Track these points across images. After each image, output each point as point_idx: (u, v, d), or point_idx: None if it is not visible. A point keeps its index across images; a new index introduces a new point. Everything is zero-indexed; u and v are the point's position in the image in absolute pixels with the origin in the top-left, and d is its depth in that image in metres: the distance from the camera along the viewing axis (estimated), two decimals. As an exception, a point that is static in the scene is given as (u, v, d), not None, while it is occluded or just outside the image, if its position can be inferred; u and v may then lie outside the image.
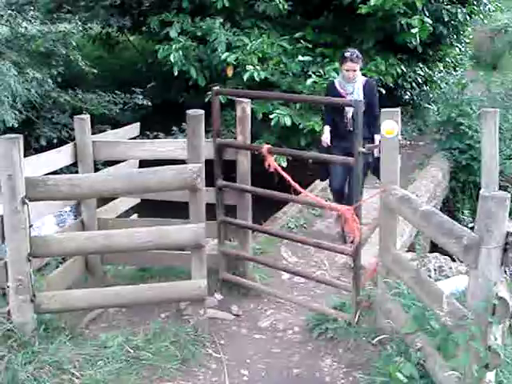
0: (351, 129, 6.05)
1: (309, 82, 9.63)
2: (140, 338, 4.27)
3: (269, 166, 4.96)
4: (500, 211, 2.99)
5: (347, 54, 6.35)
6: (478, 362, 3.14)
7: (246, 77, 9.63)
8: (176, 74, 10.20)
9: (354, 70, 6.31)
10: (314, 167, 9.93)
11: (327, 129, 6.55)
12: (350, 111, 6.31)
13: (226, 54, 9.86)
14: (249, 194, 5.28)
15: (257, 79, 9.66)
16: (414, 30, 10.12)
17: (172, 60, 9.88)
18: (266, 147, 4.96)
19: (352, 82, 6.39)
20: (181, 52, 10.05)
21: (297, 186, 4.86)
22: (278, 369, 4.27)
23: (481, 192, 3.13)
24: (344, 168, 6.28)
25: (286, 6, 10.41)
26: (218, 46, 9.97)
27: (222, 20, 10.35)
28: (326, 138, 6.44)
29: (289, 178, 4.88)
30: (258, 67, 9.76)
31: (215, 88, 4.76)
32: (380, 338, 4.16)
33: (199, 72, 10.43)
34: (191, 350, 4.27)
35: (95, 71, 12.32)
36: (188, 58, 10.28)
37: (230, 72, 10.12)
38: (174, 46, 10.02)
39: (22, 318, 4.11)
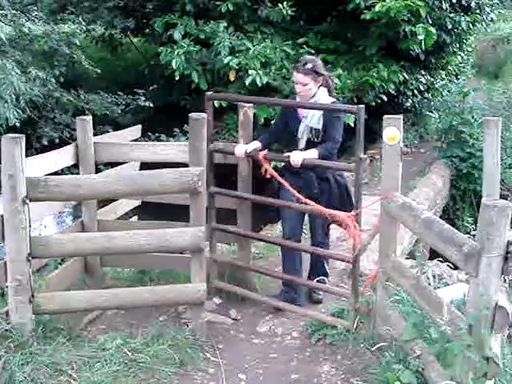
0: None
1: (311, 87, 9.63)
2: (138, 341, 4.25)
3: (265, 171, 4.88)
4: (501, 220, 2.99)
5: (298, 63, 5.06)
6: (475, 371, 3.14)
7: (248, 81, 9.65)
8: (178, 78, 10.21)
9: (304, 85, 4.91)
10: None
11: (255, 143, 5.07)
12: (304, 137, 5.02)
13: (229, 58, 9.87)
14: (248, 200, 5.25)
15: (259, 84, 9.67)
16: (420, 37, 10.14)
17: (174, 66, 9.89)
18: (261, 153, 4.86)
19: (305, 100, 4.98)
20: (183, 57, 10.06)
21: (295, 192, 4.75)
22: (275, 374, 4.25)
23: (482, 200, 3.13)
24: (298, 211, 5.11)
25: (289, 12, 10.42)
26: (222, 50, 9.98)
27: (225, 24, 10.37)
28: (240, 149, 5.00)
29: (286, 184, 4.81)
30: (260, 72, 9.77)
31: (208, 93, 4.75)
32: (379, 345, 4.15)
33: (201, 76, 10.44)
34: (189, 354, 4.26)
35: (98, 71, 12.35)
36: (190, 62, 10.28)
37: (232, 76, 10.13)
38: (176, 52, 10.02)
39: (21, 319, 4.10)
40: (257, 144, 5.01)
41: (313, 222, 5.28)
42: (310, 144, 4.94)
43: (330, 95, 5.07)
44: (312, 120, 4.95)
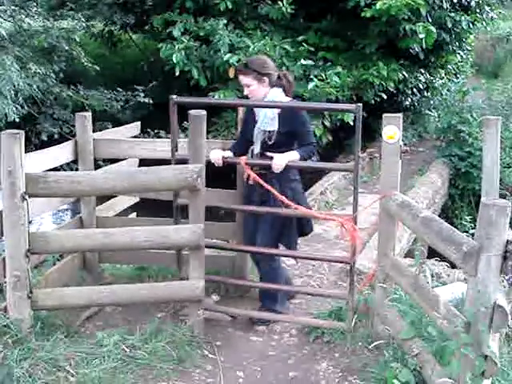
0: (261, 171, 4.66)
1: (310, 85, 9.65)
2: (136, 338, 4.25)
3: (248, 177, 4.69)
4: (501, 219, 2.99)
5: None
6: (473, 369, 3.14)
7: None
8: (178, 73, 10.20)
9: (247, 86, 4.70)
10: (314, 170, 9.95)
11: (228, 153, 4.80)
12: (258, 140, 4.74)
13: (229, 55, 9.87)
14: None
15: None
16: (420, 36, 10.14)
17: (174, 60, 9.88)
18: (243, 159, 4.62)
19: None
20: (183, 52, 10.06)
21: (284, 198, 4.56)
22: (273, 371, 4.25)
23: (482, 200, 3.13)
24: (256, 219, 4.91)
25: (289, 10, 10.42)
26: (221, 47, 9.97)
27: (225, 21, 10.36)
28: (216, 155, 4.69)
29: (274, 190, 4.58)
30: (259, 69, 9.76)
31: (173, 97, 4.72)
32: (377, 343, 4.16)
33: (201, 72, 10.44)
34: (187, 351, 4.26)
35: (97, 68, 12.35)
36: (190, 59, 10.28)
37: (231, 73, 10.12)
38: (176, 46, 10.03)
39: (19, 315, 4.10)
40: (229, 154, 4.77)
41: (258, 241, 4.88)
42: (265, 147, 4.68)
43: (287, 95, 4.76)
44: (263, 122, 4.68)
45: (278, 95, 4.70)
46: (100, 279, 5.45)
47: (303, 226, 4.95)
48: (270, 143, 4.67)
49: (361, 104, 4.33)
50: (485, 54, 22.74)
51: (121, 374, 3.91)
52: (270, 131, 4.66)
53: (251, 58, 4.92)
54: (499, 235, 3.00)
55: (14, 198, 3.95)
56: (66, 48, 11.58)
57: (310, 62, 10.13)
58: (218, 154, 4.67)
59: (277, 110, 4.65)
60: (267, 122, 4.65)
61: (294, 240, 4.96)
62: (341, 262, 5.02)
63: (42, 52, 11.48)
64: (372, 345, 4.23)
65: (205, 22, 10.47)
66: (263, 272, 4.99)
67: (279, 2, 10.47)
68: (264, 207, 4.72)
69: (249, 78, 4.64)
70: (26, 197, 3.99)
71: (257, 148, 4.73)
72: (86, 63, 12.09)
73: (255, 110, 4.75)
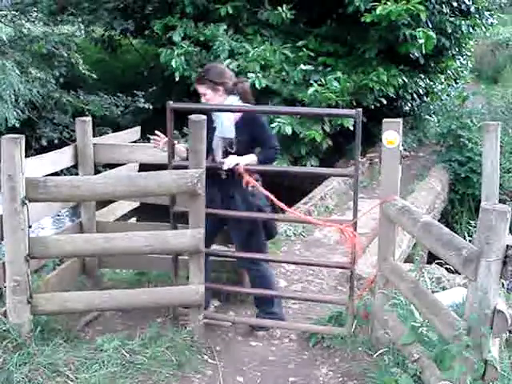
0: (224, 176, 4.68)
1: (310, 90, 9.67)
2: (136, 343, 4.24)
3: (247, 183, 4.62)
4: (501, 224, 3.00)
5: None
6: (473, 374, 3.14)
7: None
8: (177, 79, 10.21)
9: (203, 95, 4.74)
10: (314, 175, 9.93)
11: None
12: (218, 148, 4.75)
13: (228, 60, 9.88)
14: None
15: (258, 87, 9.68)
16: (420, 41, 10.16)
17: (174, 65, 9.90)
18: (241, 166, 4.57)
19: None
20: (183, 57, 10.07)
21: (282, 204, 4.58)
22: (273, 376, 4.25)
23: (482, 205, 3.13)
24: (216, 222, 4.78)
25: (288, 15, 10.44)
26: (221, 53, 9.99)
27: (225, 27, 10.38)
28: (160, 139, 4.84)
29: (272, 196, 4.60)
30: (259, 75, 9.78)
31: (170, 103, 4.73)
32: (379, 352, 4.14)
33: (201, 78, 10.43)
34: (187, 356, 4.25)
35: (94, 76, 12.37)
36: (190, 64, 10.30)
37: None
38: (176, 52, 10.05)
39: (19, 319, 4.09)
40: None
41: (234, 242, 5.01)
42: (227, 155, 4.66)
43: (244, 102, 4.77)
44: (221, 130, 4.69)
45: (234, 103, 4.74)
46: (100, 284, 5.45)
47: (270, 230, 4.98)
48: (231, 151, 4.66)
49: (361, 109, 4.33)
50: (484, 59, 22.77)
51: (120, 379, 3.90)
52: (229, 138, 4.67)
53: (208, 68, 4.86)
54: (499, 240, 3.00)
55: (14, 202, 3.95)
56: (65, 54, 11.59)
57: (309, 67, 10.15)
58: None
59: (233, 118, 4.67)
60: (225, 129, 4.67)
61: (263, 243, 4.98)
62: (341, 268, 5.01)
63: (43, 57, 11.51)
64: (372, 350, 4.22)
65: (205, 27, 10.49)
66: (252, 277, 5.00)
67: (279, 8, 10.49)
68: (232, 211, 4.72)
69: (203, 87, 4.70)
70: (26, 201, 3.99)
71: (218, 157, 4.72)
72: (83, 70, 12.10)
73: (213, 117, 4.74)
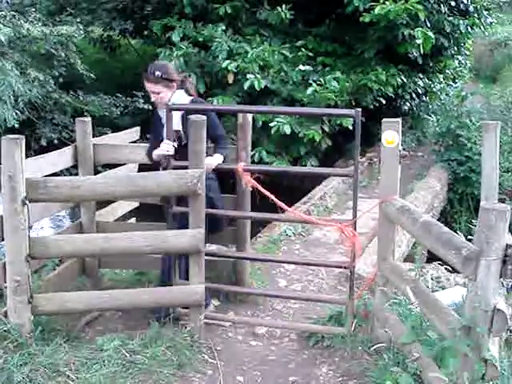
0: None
1: (309, 90, 9.67)
2: (136, 342, 4.25)
3: (246, 184, 4.70)
4: (500, 223, 3.00)
5: (146, 71, 4.86)
6: (472, 373, 3.15)
7: (246, 85, 9.67)
8: (176, 79, 10.20)
9: (157, 93, 4.82)
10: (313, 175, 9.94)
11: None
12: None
13: (227, 61, 9.88)
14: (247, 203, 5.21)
15: (257, 88, 9.68)
16: (418, 41, 10.16)
17: (173, 67, 9.88)
18: (240, 166, 4.67)
19: (163, 107, 4.85)
20: (182, 59, 10.07)
21: (282, 204, 4.59)
22: (273, 376, 4.26)
23: (481, 204, 3.14)
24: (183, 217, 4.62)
25: (287, 15, 10.44)
26: (220, 54, 9.99)
27: (224, 27, 10.38)
28: (166, 146, 4.71)
29: (273, 196, 4.59)
30: (258, 75, 9.79)
31: (170, 103, 4.77)
32: (376, 346, 4.16)
33: (200, 78, 10.45)
34: (187, 356, 4.25)
35: (94, 75, 12.37)
36: (189, 64, 10.29)
37: (230, 79, 10.15)
38: (175, 53, 10.04)
39: (19, 320, 4.10)
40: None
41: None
42: (178, 148, 4.71)
43: (189, 94, 4.98)
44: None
45: (180, 96, 4.90)
46: (100, 284, 5.45)
47: (213, 224, 4.82)
48: (182, 144, 4.75)
49: (360, 109, 4.34)
50: (483, 58, 22.79)
51: (121, 378, 3.90)
52: (177, 131, 4.80)
53: (159, 65, 4.97)
54: (498, 239, 3.01)
55: (14, 202, 3.95)
56: (64, 54, 11.59)
57: (308, 68, 10.15)
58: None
59: (180, 112, 4.84)
60: (174, 122, 4.77)
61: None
62: (340, 267, 5.01)
63: (42, 58, 11.51)
64: (372, 349, 4.23)
65: (203, 28, 10.49)
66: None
67: (278, 8, 10.49)
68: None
69: (159, 85, 4.79)
70: (27, 202, 4.00)
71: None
72: (81, 70, 12.10)
73: (160, 112, 4.92)
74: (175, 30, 10.52)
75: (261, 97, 10.11)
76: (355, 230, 4.43)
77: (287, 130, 9.52)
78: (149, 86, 4.82)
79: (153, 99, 4.89)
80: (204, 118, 4.39)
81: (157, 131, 4.96)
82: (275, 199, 4.57)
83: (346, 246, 4.54)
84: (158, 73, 4.78)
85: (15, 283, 4.05)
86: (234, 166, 4.73)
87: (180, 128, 4.81)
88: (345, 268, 4.80)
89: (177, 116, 4.82)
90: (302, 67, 10.03)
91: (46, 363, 3.89)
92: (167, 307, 4.67)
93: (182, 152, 4.60)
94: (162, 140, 4.77)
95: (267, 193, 4.60)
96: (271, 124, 9.49)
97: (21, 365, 3.83)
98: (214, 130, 4.83)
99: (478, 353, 3.13)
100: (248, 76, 9.70)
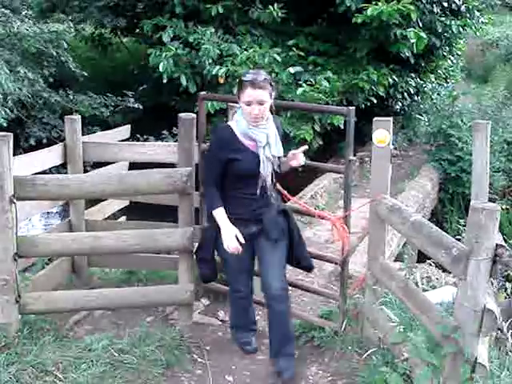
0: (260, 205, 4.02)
1: (299, 90, 9.63)
2: (125, 342, 4.23)
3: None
4: (490, 223, 2.99)
5: (248, 77, 3.84)
6: (462, 372, 3.14)
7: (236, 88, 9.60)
8: (165, 81, 10.16)
9: (262, 104, 3.85)
10: (304, 174, 9.94)
11: (221, 214, 3.93)
12: (267, 168, 3.97)
13: (217, 67, 9.82)
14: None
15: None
16: (411, 41, 10.17)
17: (161, 69, 9.84)
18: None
19: (261, 126, 3.92)
20: (171, 60, 10.01)
21: (286, 192, 4.59)
22: (263, 376, 4.24)
23: (471, 203, 3.13)
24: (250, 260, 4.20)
25: (279, 14, 10.41)
26: (206, 59, 9.93)
27: (213, 30, 10.33)
28: (231, 239, 3.90)
29: (278, 185, 4.49)
30: (248, 76, 9.73)
31: (202, 93, 4.71)
32: (366, 346, 4.15)
33: (190, 78, 10.39)
34: (176, 355, 4.24)
35: (86, 74, 12.32)
36: (179, 65, 10.24)
37: (221, 80, 10.11)
38: (164, 54, 9.97)
39: (6, 319, 4.07)
40: (223, 212, 3.95)
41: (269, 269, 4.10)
42: (274, 179, 4.11)
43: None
44: (268, 147, 3.99)
45: (271, 123, 4.08)
46: (89, 283, 5.42)
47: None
48: (279, 171, 4.14)
49: (353, 107, 4.31)
50: (475, 59, 22.85)
51: (109, 378, 3.88)
52: (277, 157, 4.07)
53: (260, 71, 3.99)
54: (488, 239, 3.00)
55: (2, 201, 3.93)
56: (55, 53, 11.54)
57: (299, 69, 10.11)
58: (229, 232, 3.92)
59: (275, 129, 4.06)
60: (272, 145, 4.01)
61: None
62: (332, 263, 4.98)
63: (32, 56, 11.45)
64: (362, 349, 4.22)
65: (195, 28, 10.44)
66: (281, 312, 4.16)
67: (270, 7, 10.47)
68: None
69: (266, 93, 3.87)
70: (14, 200, 3.97)
71: (268, 178, 4.04)
72: (74, 68, 12.05)
73: (244, 136, 3.94)
74: (166, 31, 10.46)
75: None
76: (347, 224, 4.40)
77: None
78: (255, 95, 3.81)
79: (256, 114, 3.85)
80: (194, 115, 4.36)
81: (238, 163, 3.91)
82: (279, 187, 4.41)
83: (336, 240, 4.49)
84: (264, 76, 3.86)
85: (2, 282, 4.03)
86: None
87: (281, 153, 4.08)
88: (335, 263, 4.78)
89: (274, 136, 4.02)
90: (291, 70, 9.96)
91: (34, 363, 3.86)
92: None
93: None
94: (249, 170, 3.93)
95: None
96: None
97: (8, 364, 3.80)
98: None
99: (467, 352, 3.12)
100: (237, 74, 9.65)
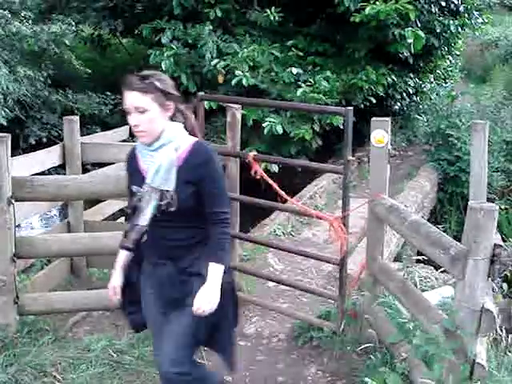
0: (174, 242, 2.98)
1: (299, 91, 9.63)
2: (123, 342, 4.23)
3: (255, 172, 4.69)
4: (488, 223, 2.99)
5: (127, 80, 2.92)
6: (460, 373, 3.14)
7: (233, 82, 9.62)
8: (167, 80, 10.16)
9: (142, 111, 2.87)
10: (303, 175, 9.98)
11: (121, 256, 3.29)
12: (149, 200, 2.94)
13: (216, 60, 9.84)
14: (236, 200, 5.21)
15: (245, 84, 9.63)
16: (409, 41, 10.17)
17: (163, 67, 9.85)
18: (251, 154, 4.73)
19: (149, 146, 2.96)
20: (172, 59, 10.03)
21: (283, 193, 4.65)
22: (262, 377, 4.24)
23: (469, 203, 3.12)
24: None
25: (276, 17, 10.41)
26: (206, 53, 9.95)
27: (211, 27, 10.34)
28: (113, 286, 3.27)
29: (275, 185, 4.68)
30: (247, 74, 9.75)
31: (200, 93, 4.71)
32: (365, 346, 4.15)
33: (190, 78, 10.40)
34: (175, 356, 4.23)
35: (89, 71, 12.33)
36: (179, 65, 10.25)
37: (220, 79, 10.11)
38: (165, 54, 9.99)
39: (5, 320, 4.07)
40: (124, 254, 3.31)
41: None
42: (162, 215, 2.98)
43: (193, 135, 3.09)
44: (155, 175, 2.94)
45: (177, 133, 2.99)
46: (88, 284, 5.42)
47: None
48: (170, 210, 2.92)
49: (351, 108, 4.31)
50: (473, 59, 22.85)
51: (108, 379, 3.89)
52: (166, 191, 2.91)
53: (149, 72, 3.04)
54: (487, 239, 3.00)
55: (0, 201, 3.92)
56: (56, 51, 11.54)
57: (299, 71, 10.11)
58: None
59: (176, 156, 2.93)
60: (162, 175, 2.92)
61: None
62: (330, 263, 4.97)
63: (31, 56, 11.45)
64: (360, 349, 4.22)
65: (193, 29, 10.45)
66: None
67: (267, 10, 10.46)
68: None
69: (147, 99, 2.88)
70: (13, 200, 3.96)
71: (145, 218, 2.98)
72: (76, 67, 12.06)
73: (137, 151, 3.15)
74: (165, 33, 10.47)
75: (250, 96, 10.07)
76: (345, 224, 4.40)
77: (279, 129, 9.49)
78: (131, 99, 2.89)
79: (132, 124, 2.92)
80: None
81: (131, 182, 3.12)
82: (278, 188, 4.56)
83: (334, 241, 4.50)
84: (152, 78, 2.91)
85: (1, 283, 4.03)
86: (246, 154, 4.77)
87: (171, 187, 2.90)
88: (333, 264, 4.78)
89: (169, 163, 2.90)
90: (293, 70, 9.97)
91: (33, 363, 3.87)
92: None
93: (165, 224, 2.97)
94: (133, 195, 3.03)
95: (272, 182, 4.66)
96: (264, 124, 9.45)
97: (6, 365, 3.81)
98: (216, 199, 2.94)
99: (466, 352, 3.12)
100: (236, 73, 9.65)
